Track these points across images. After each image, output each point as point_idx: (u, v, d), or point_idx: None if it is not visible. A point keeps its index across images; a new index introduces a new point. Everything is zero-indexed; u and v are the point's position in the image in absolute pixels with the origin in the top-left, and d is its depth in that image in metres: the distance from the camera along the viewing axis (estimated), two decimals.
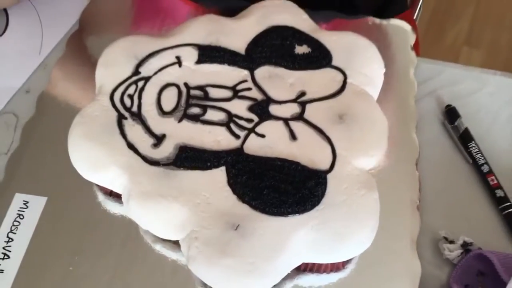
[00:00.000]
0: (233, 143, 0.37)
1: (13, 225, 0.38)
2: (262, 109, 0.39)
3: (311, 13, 0.46)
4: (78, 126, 0.38)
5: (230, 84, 0.41)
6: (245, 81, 0.41)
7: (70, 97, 0.46)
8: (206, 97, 0.40)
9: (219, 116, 0.39)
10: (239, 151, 0.37)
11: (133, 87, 0.40)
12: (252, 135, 0.38)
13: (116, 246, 0.37)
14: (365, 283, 0.36)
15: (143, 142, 0.37)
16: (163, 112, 0.39)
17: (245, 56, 0.42)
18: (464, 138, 0.44)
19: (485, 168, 0.42)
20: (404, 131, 0.43)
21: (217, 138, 0.38)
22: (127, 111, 0.39)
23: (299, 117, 0.39)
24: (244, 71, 0.41)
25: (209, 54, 0.42)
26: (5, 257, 0.37)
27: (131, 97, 0.40)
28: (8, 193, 0.40)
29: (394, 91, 0.45)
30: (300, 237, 0.33)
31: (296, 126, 0.38)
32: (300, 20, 0.45)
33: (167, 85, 0.40)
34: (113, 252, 0.37)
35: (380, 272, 0.36)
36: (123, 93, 0.40)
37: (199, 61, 0.42)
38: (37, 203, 0.39)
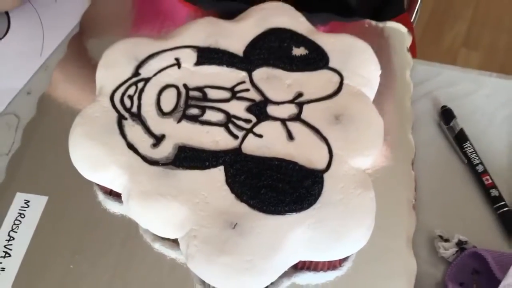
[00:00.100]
0: (231, 143, 0.38)
1: (14, 224, 0.38)
2: (260, 109, 0.40)
3: (308, 15, 0.46)
4: (79, 126, 0.38)
5: (229, 85, 0.41)
6: (243, 82, 0.41)
7: (70, 98, 0.46)
8: (205, 98, 0.40)
9: (218, 116, 0.39)
10: (237, 151, 0.37)
11: (133, 88, 0.41)
12: (250, 135, 0.38)
13: (116, 245, 0.38)
14: (361, 281, 0.36)
15: (143, 142, 0.38)
16: (162, 113, 0.39)
17: (243, 58, 0.43)
18: (459, 139, 0.45)
19: (480, 168, 0.42)
20: (400, 132, 0.43)
21: (215, 138, 0.38)
22: (127, 112, 0.39)
23: (296, 117, 0.39)
24: (242, 73, 0.42)
25: (208, 56, 0.43)
26: (6, 255, 0.37)
27: (131, 98, 0.40)
28: (9, 192, 0.40)
29: (390, 93, 0.46)
30: (297, 235, 0.34)
31: (294, 126, 0.39)
32: (298, 22, 0.46)
33: (167, 86, 0.41)
34: (113, 250, 0.37)
35: (376, 270, 0.37)
36: (123, 94, 0.40)
37: (198, 62, 0.42)
38: (38, 203, 0.39)
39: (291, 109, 0.40)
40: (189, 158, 0.37)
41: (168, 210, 0.35)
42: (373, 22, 0.51)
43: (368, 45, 0.44)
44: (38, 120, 0.44)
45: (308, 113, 0.39)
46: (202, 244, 0.33)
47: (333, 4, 0.53)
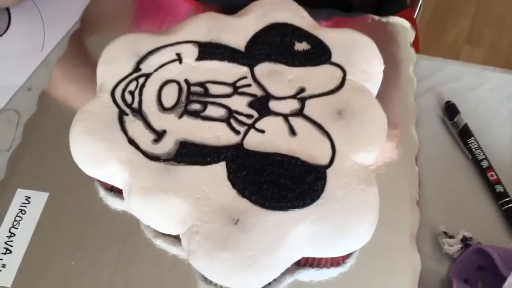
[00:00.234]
0: (233, 138, 0.37)
1: (15, 220, 0.38)
2: (261, 105, 0.39)
3: (310, 11, 0.46)
4: (80, 122, 0.38)
5: (230, 80, 0.41)
6: (245, 77, 0.41)
7: (71, 95, 0.46)
8: (206, 93, 0.40)
9: (219, 112, 0.39)
10: (239, 146, 0.37)
11: (134, 84, 0.40)
12: (252, 131, 0.38)
13: (117, 241, 0.37)
14: (365, 277, 0.36)
15: (144, 137, 0.37)
16: (163, 108, 0.39)
17: (245, 53, 0.42)
18: (464, 134, 0.44)
19: (484, 164, 0.42)
20: (404, 127, 0.43)
21: (217, 134, 0.38)
22: (128, 107, 0.39)
23: (299, 113, 0.39)
24: (244, 68, 0.42)
25: (209, 51, 0.42)
26: (7, 251, 0.37)
27: (132, 93, 0.40)
28: (10, 188, 0.40)
29: (393, 88, 0.45)
30: (299, 231, 0.33)
31: (296, 121, 0.38)
32: (300, 17, 0.45)
33: (168, 82, 0.41)
34: (114, 247, 0.37)
35: (380, 267, 0.36)
36: (124, 90, 0.40)
37: (200, 58, 0.42)
38: (39, 199, 0.39)
39: (293, 104, 0.40)
40: (190, 153, 0.36)
41: (170, 206, 0.34)
42: (376, 17, 0.51)
43: (371, 40, 0.44)
44: (38, 116, 0.44)
45: (311, 108, 0.39)
46: (203, 240, 0.33)
47: (334, 0, 0.53)
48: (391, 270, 0.36)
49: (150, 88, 0.40)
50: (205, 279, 0.35)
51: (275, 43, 0.43)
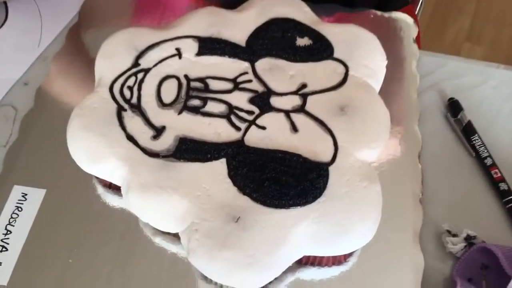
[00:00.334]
0: (234, 135, 0.37)
1: (12, 218, 0.38)
2: (263, 101, 0.39)
3: (312, 6, 0.46)
4: (77, 117, 0.37)
5: (231, 76, 0.40)
6: (245, 73, 0.41)
7: (69, 90, 0.45)
8: (207, 89, 0.40)
9: (220, 108, 0.39)
10: (239, 143, 0.37)
11: (132, 79, 0.40)
12: (253, 127, 0.37)
13: (115, 239, 0.37)
14: (367, 276, 0.36)
15: (143, 134, 0.37)
16: (163, 104, 0.39)
17: (246, 48, 0.42)
18: (467, 131, 0.44)
19: (488, 161, 0.42)
20: (407, 124, 0.43)
21: (217, 130, 0.37)
22: (126, 103, 0.39)
23: (300, 109, 0.38)
24: (245, 63, 0.41)
25: (209, 46, 0.42)
26: (3, 249, 0.36)
27: (130, 88, 0.39)
28: (6, 185, 0.39)
29: (396, 84, 0.45)
30: (301, 229, 0.33)
31: (297, 118, 0.38)
32: (301, 12, 0.45)
33: (167, 77, 0.40)
34: (112, 245, 0.37)
35: (382, 266, 0.36)
36: (122, 85, 0.39)
37: (200, 53, 0.42)
38: (36, 195, 0.39)
39: (295, 101, 0.39)
40: (190, 150, 0.36)
41: (169, 203, 0.34)
42: (379, 13, 0.51)
43: (373, 35, 0.43)
44: (35, 111, 0.44)
45: (312, 104, 0.39)
46: (203, 238, 0.32)
47: None
48: (394, 269, 0.36)
49: (149, 83, 0.40)
50: (205, 278, 0.34)
51: (276, 38, 0.42)
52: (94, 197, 0.39)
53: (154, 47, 0.42)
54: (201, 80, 0.40)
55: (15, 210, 0.38)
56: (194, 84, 0.40)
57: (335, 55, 0.42)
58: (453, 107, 0.46)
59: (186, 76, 0.40)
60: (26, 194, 0.39)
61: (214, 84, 0.40)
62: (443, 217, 0.39)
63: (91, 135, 0.36)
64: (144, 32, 0.43)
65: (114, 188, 0.38)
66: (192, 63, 0.41)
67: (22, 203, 0.38)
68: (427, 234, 0.38)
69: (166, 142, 0.36)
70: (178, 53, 0.41)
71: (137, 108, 0.38)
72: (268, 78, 0.40)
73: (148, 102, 0.39)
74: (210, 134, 0.37)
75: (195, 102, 0.39)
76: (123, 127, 0.37)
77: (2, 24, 0.50)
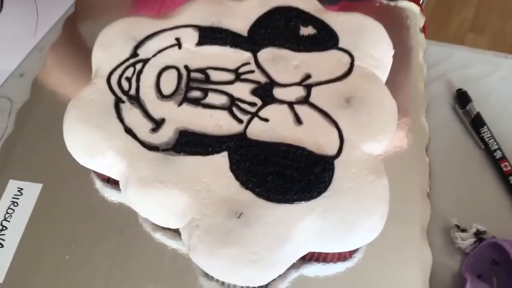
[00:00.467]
0: (236, 127, 0.36)
1: (7, 213, 0.37)
2: (265, 92, 0.38)
3: None
4: (74, 110, 0.37)
5: (232, 66, 0.40)
6: (247, 63, 0.40)
7: (65, 81, 0.45)
8: (207, 80, 0.39)
9: (221, 99, 0.38)
10: (242, 135, 0.36)
11: (131, 70, 0.39)
12: (256, 119, 0.37)
13: (114, 234, 0.36)
14: (373, 272, 0.35)
15: (141, 126, 0.36)
16: (162, 96, 0.38)
17: (248, 38, 0.41)
18: (476, 123, 0.43)
19: (498, 154, 0.41)
20: (414, 116, 0.42)
21: (219, 123, 0.37)
22: (124, 95, 0.38)
23: (305, 100, 0.38)
24: (247, 53, 0.40)
25: (210, 35, 0.41)
26: None
27: (129, 80, 0.39)
28: (2, 179, 0.39)
29: (402, 75, 0.44)
30: (306, 225, 0.32)
31: (301, 110, 0.37)
32: (305, 1, 0.44)
33: (167, 68, 0.39)
34: (110, 241, 0.36)
35: (389, 262, 0.35)
36: (120, 76, 0.39)
37: (200, 42, 0.41)
38: (32, 190, 0.38)
39: (299, 92, 0.38)
40: (190, 143, 0.35)
41: (169, 198, 0.33)
42: (384, 1, 0.50)
43: (379, 24, 0.42)
44: (31, 103, 0.43)
45: (317, 95, 0.38)
46: (204, 235, 0.32)
47: None
48: (401, 265, 0.35)
49: (148, 74, 0.39)
50: (206, 275, 0.34)
51: (279, 28, 0.42)
52: (92, 192, 0.38)
53: (153, 36, 0.41)
54: (202, 70, 0.39)
55: (10, 205, 0.37)
56: (194, 75, 0.39)
57: (340, 44, 0.41)
58: (462, 98, 0.45)
59: (186, 67, 0.39)
60: (22, 189, 0.38)
61: (215, 75, 0.39)
62: (451, 211, 0.38)
63: (88, 128, 0.36)
64: (143, 22, 0.42)
65: (113, 183, 0.38)
66: (192, 53, 0.40)
67: (17, 198, 0.38)
68: (435, 229, 0.37)
69: (165, 135, 0.36)
70: (178, 43, 0.41)
71: (136, 100, 0.38)
72: (271, 69, 0.39)
73: (147, 93, 0.38)
74: (211, 127, 0.36)
75: (196, 94, 0.38)
76: (121, 120, 0.36)
77: None
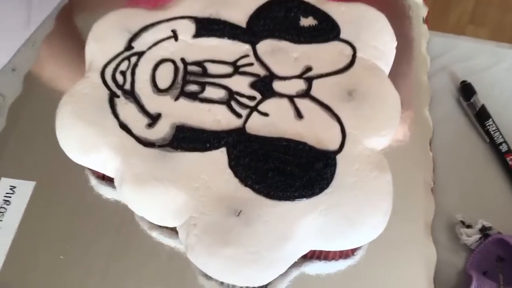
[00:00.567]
0: (234, 122, 0.36)
1: None
2: (265, 85, 0.38)
3: None
4: (67, 105, 0.36)
5: (231, 59, 0.39)
6: (246, 56, 0.39)
7: (59, 76, 0.44)
8: (205, 73, 0.38)
9: (219, 93, 0.37)
10: (241, 130, 0.35)
11: (125, 63, 0.39)
12: (255, 114, 0.36)
13: (109, 233, 0.36)
14: (376, 270, 0.35)
15: (137, 122, 0.36)
16: (158, 90, 0.37)
17: (247, 29, 0.41)
18: (481, 116, 0.43)
19: (503, 148, 0.40)
20: (417, 109, 0.42)
21: (217, 117, 0.36)
22: (119, 89, 0.37)
23: (305, 94, 0.37)
24: (246, 45, 0.40)
25: (207, 27, 0.41)
26: None
27: (123, 73, 0.38)
28: None
29: (405, 67, 0.44)
30: (307, 223, 0.32)
31: (302, 103, 0.37)
32: None
33: (163, 61, 0.39)
34: (106, 239, 0.36)
35: (392, 259, 0.35)
36: (115, 70, 0.38)
37: (197, 34, 0.40)
38: (25, 188, 0.38)
39: (299, 85, 0.38)
40: (188, 139, 0.35)
41: (165, 196, 0.33)
42: None
43: (382, 14, 0.42)
44: (24, 98, 0.43)
45: (318, 89, 0.37)
46: (202, 234, 0.31)
47: None
48: (404, 263, 0.35)
49: (143, 67, 0.38)
50: (205, 274, 0.33)
51: (278, 19, 0.41)
52: (86, 189, 0.38)
53: (148, 28, 0.40)
54: (199, 63, 0.39)
55: (3, 204, 0.37)
56: (191, 68, 0.39)
57: (342, 35, 0.40)
58: (466, 90, 0.44)
59: (182, 60, 0.39)
60: (14, 187, 0.38)
61: (212, 68, 0.38)
62: (456, 207, 0.38)
63: (81, 124, 0.35)
64: (138, 13, 0.42)
65: (108, 180, 0.37)
66: (189, 45, 0.40)
67: (10, 197, 0.37)
68: (439, 225, 0.37)
69: (162, 130, 0.35)
70: (174, 35, 0.40)
71: (131, 94, 0.37)
72: (271, 61, 0.39)
73: (143, 87, 0.38)
74: (209, 122, 0.36)
75: (193, 88, 0.37)
76: (116, 115, 0.36)
77: None
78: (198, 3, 0.42)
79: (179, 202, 0.32)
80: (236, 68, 0.38)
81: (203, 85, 0.37)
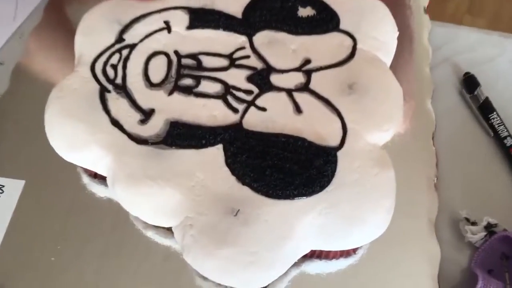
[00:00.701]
0: (231, 117, 0.35)
1: None
2: (262, 79, 0.37)
3: None
4: (56, 101, 0.36)
5: (226, 51, 0.38)
6: (242, 48, 0.39)
7: (48, 69, 0.44)
8: (200, 66, 0.38)
9: (215, 87, 0.37)
10: (237, 126, 0.35)
11: (116, 56, 0.38)
12: (252, 109, 0.36)
13: (103, 233, 0.35)
14: (378, 269, 0.34)
15: (129, 118, 0.35)
16: (151, 84, 0.37)
17: (242, 20, 0.40)
18: (485, 109, 0.42)
19: (508, 142, 0.40)
20: (419, 102, 0.41)
21: (212, 113, 0.35)
22: (110, 83, 0.37)
23: (304, 87, 0.37)
24: (242, 37, 0.39)
25: (202, 18, 0.40)
26: None
27: (114, 67, 0.37)
28: None
29: (406, 58, 0.43)
30: (308, 222, 0.31)
31: (301, 97, 0.36)
32: None
33: (155, 54, 0.38)
34: (100, 239, 0.35)
35: (394, 257, 0.35)
36: (105, 63, 0.38)
37: (191, 26, 0.40)
38: (14, 187, 0.37)
39: (298, 78, 0.37)
40: (182, 135, 0.34)
41: (160, 196, 0.32)
42: None
43: (382, 3, 0.41)
44: (11, 93, 0.42)
45: (317, 82, 0.37)
46: (199, 234, 0.30)
47: None
48: (407, 261, 0.35)
49: (135, 61, 0.38)
50: (203, 275, 0.32)
51: (276, 9, 0.41)
52: (79, 188, 0.37)
53: (139, 20, 0.40)
54: (193, 56, 0.38)
55: None
56: (185, 61, 0.38)
57: (341, 26, 0.40)
58: (469, 82, 0.43)
59: (176, 52, 0.38)
60: (3, 186, 0.37)
61: (207, 61, 0.38)
62: (460, 203, 0.37)
63: (71, 120, 0.35)
64: (128, 4, 0.41)
65: (100, 178, 0.37)
66: (183, 37, 0.39)
67: None
68: (443, 222, 0.37)
69: (155, 126, 0.35)
70: (167, 27, 0.40)
71: (122, 89, 0.36)
72: (268, 53, 0.38)
73: (135, 82, 0.37)
74: (205, 117, 0.35)
75: (187, 82, 0.37)
76: (107, 111, 0.35)
77: None
78: None
79: (174, 201, 0.32)
80: (232, 61, 0.38)
81: (198, 79, 0.37)
